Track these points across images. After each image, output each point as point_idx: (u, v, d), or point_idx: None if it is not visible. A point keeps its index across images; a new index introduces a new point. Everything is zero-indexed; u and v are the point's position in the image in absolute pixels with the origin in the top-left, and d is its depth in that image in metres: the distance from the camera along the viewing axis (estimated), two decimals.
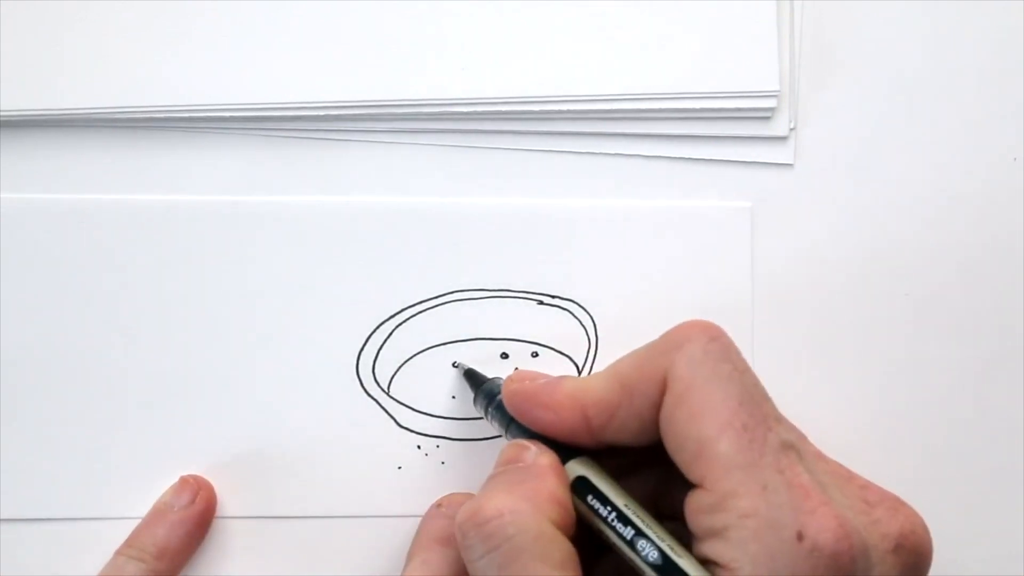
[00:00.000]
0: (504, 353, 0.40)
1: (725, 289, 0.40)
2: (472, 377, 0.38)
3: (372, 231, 0.40)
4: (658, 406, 0.31)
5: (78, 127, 0.40)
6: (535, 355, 0.40)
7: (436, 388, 0.40)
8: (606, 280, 0.40)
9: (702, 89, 0.40)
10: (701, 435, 0.29)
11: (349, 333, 0.40)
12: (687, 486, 0.30)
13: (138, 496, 0.39)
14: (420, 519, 0.39)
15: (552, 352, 0.40)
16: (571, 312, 0.40)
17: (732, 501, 0.29)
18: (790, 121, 0.41)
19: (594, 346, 0.40)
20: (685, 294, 0.40)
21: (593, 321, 0.40)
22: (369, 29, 0.40)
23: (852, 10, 0.42)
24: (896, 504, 0.30)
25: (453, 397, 0.40)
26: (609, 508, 0.31)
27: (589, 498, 0.32)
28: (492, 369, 0.39)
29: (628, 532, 0.30)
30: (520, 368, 0.40)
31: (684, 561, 0.29)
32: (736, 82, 0.40)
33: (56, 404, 0.39)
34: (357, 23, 0.40)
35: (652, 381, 0.31)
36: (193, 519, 0.38)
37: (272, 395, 0.39)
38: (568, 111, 0.40)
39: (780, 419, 0.30)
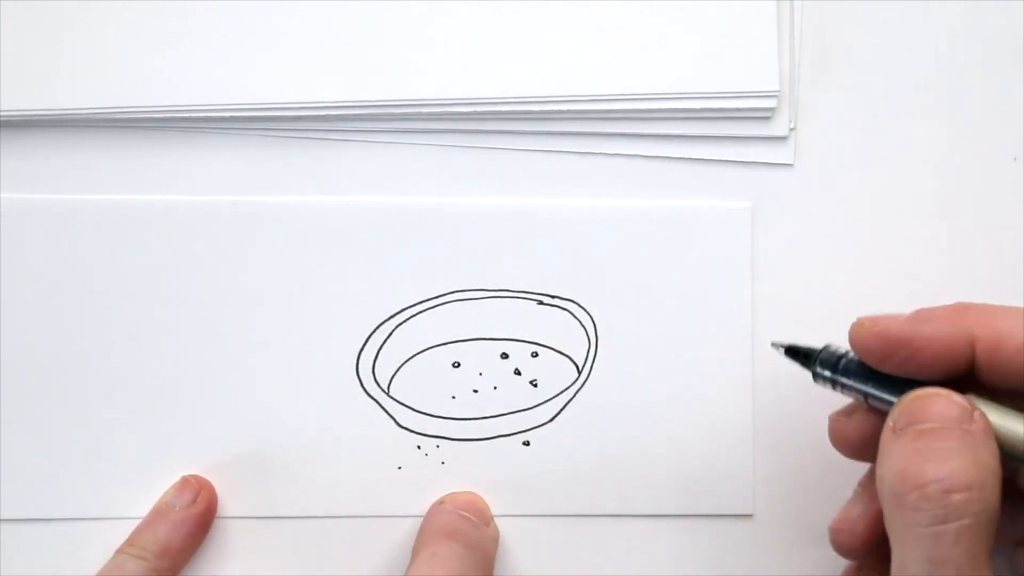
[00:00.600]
0: (504, 353, 0.40)
1: (725, 289, 0.40)
2: (795, 352, 0.36)
3: (372, 231, 0.40)
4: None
5: (78, 127, 0.40)
6: (535, 355, 0.40)
7: (436, 388, 0.40)
8: (606, 280, 0.40)
9: (702, 89, 0.40)
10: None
11: (349, 333, 0.40)
12: None
13: (138, 496, 0.39)
14: (421, 518, 0.39)
15: (552, 352, 0.40)
16: (571, 312, 0.40)
17: None
18: (790, 121, 0.41)
19: (594, 346, 0.40)
20: (685, 294, 0.40)
21: (593, 321, 0.40)
22: (369, 29, 0.40)
23: (852, 10, 0.42)
24: None
25: (453, 397, 0.40)
26: None
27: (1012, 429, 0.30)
28: (492, 369, 0.39)
29: None
30: (519, 367, 0.40)
31: None
32: (736, 82, 0.40)
33: (56, 404, 0.39)
34: (357, 23, 0.40)
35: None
36: (194, 519, 0.38)
37: (272, 395, 0.39)
38: (568, 111, 0.40)
39: None
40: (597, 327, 0.40)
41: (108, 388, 0.39)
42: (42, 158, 0.40)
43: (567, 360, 0.40)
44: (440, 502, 0.39)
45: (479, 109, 0.40)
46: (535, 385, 0.40)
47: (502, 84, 0.40)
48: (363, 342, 0.40)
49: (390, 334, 0.40)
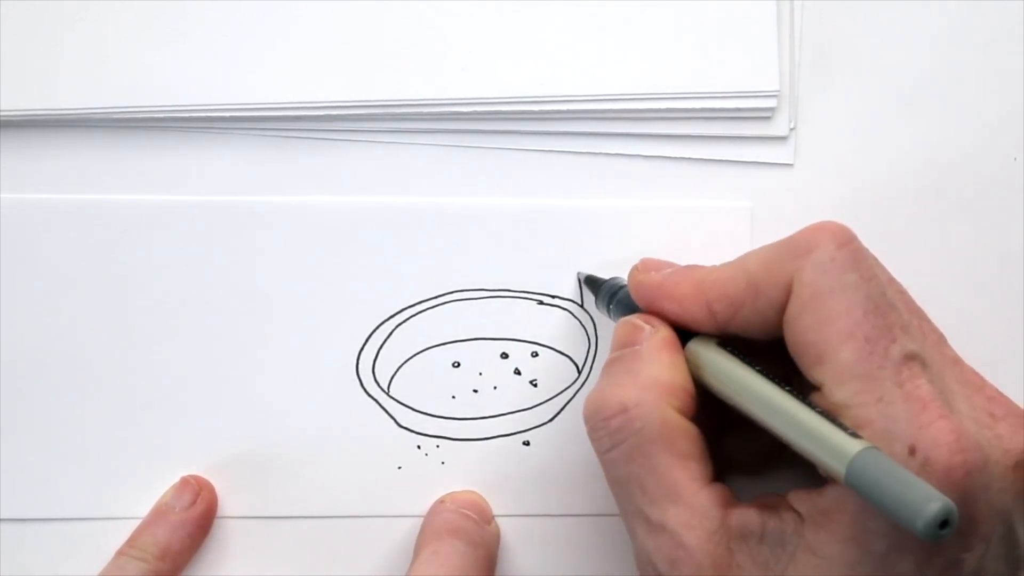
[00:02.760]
0: (504, 353, 0.40)
1: None
2: (592, 281, 0.39)
3: (372, 231, 0.40)
4: (782, 309, 0.31)
5: (78, 127, 0.40)
6: (535, 355, 0.40)
7: (436, 388, 0.40)
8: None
9: (702, 89, 0.40)
10: (822, 344, 0.29)
11: (349, 333, 0.40)
12: (809, 390, 0.30)
13: (138, 496, 0.39)
14: (421, 518, 0.39)
15: (552, 352, 0.40)
16: (571, 312, 0.40)
17: (846, 411, 0.28)
18: (790, 121, 0.41)
19: (594, 346, 0.40)
20: None
21: (593, 321, 0.40)
22: (369, 29, 0.40)
23: (852, 10, 0.42)
24: (1023, 419, 0.30)
25: (453, 397, 0.40)
26: (742, 374, 0.31)
27: (717, 365, 0.32)
28: (492, 368, 0.39)
29: (770, 393, 0.30)
30: (519, 367, 0.40)
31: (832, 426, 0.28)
32: (736, 82, 0.40)
33: (56, 404, 0.39)
34: (357, 23, 0.40)
35: (778, 284, 0.31)
36: (195, 520, 0.38)
37: (272, 395, 0.39)
38: (568, 111, 0.40)
39: (907, 327, 0.30)
40: (597, 327, 0.40)
41: (108, 388, 0.39)
42: (42, 158, 0.40)
43: (567, 360, 0.40)
44: (441, 501, 0.39)
45: (479, 109, 0.40)
46: (535, 385, 0.40)
47: (502, 84, 0.40)
48: (363, 342, 0.40)
49: (390, 334, 0.40)
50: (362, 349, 0.40)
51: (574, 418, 0.40)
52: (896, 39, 0.42)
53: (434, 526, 0.37)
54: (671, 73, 0.40)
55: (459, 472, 0.40)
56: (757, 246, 0.39)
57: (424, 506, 0.39)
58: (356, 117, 0.40)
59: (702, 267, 0.34)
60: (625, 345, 0.33)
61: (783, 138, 0.41)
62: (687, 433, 0.31)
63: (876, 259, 0.32)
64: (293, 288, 0.40)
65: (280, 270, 0.40)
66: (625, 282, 0.36)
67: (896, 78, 0.41)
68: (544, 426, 0.40)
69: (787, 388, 0.30)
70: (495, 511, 0.39)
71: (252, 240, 0.40)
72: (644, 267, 0.35)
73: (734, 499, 0.31)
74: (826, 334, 0.29)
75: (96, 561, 0.37)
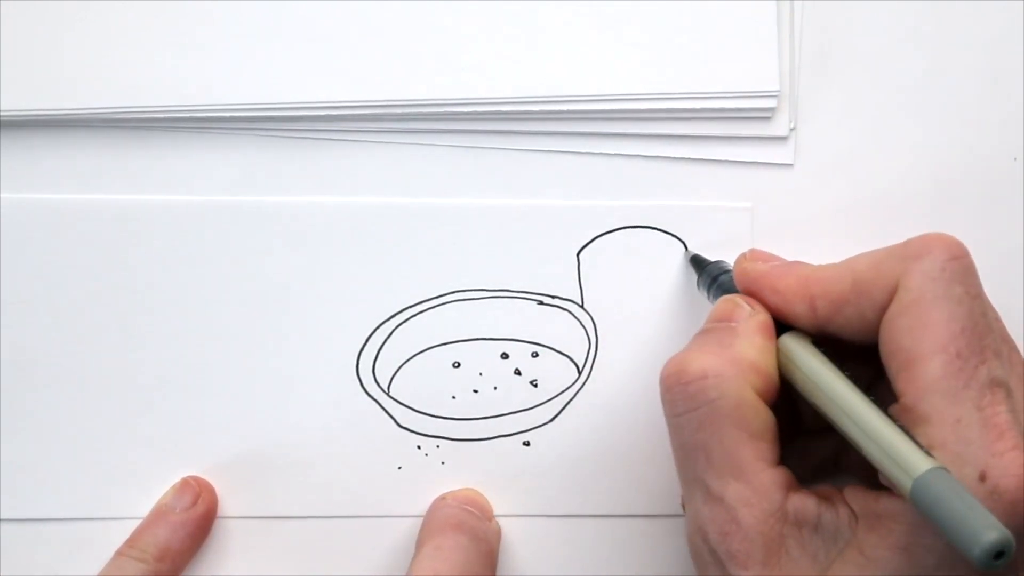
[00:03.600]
0: (504, 353, 0.40)
1: None
2: (697, 261, 0.39)
3: (372, 231, 0.40)
4: (884, 310, 0.31)
5: (78, 127, 0.40)
6: (535, 355, 0.40)
7: (436, 388, 0.40)
8: (606, 280, 0.40)
9: (702, 89, 0.40)
10: (914, 350, 0.29)
11: (349, 333, 0.40)
12: (892, 398, 0.30)
13: (138, 496, 0.39)
14: (421, 518, 0.39)
15: (552, 352, 0.40)
16: (571, 312, 0.40)
17: (924, 427, 0.28)
18: (790, 121, 0.41)
19: (594, 346, 0.40)
20: (685, 294, 0.40)
21: (593, 321, 0.40)
22: (369, 29, 0.40)
23: (852, 10, 0.42)
24: None
25: (453, 397, 0.40)
26: (827, 372, 0.31)
27: (806, 360, 0.32)
28: (492, 369, 0.39)
29: (851, 396, 0.30)
30: (519, 367, 0.40)
31: (908, 443, 0.28)
32: (736, 82, 0.40)
33: (57, 404, 0.39)
34: (357, 23, 0.40)
35: (884, 286, 0.31)
36: (195, 521, 0.38)
37: (272, 395, 0.39)
38: (568, 111, 0.40)
39: (999, 352, 0.30)
40: (597, 327, 0.40)
41: (108, 388, 0.39)
42: (42, 158, 0.40)
43: (567, 360, 0.40)
44: (442, 497, 0.39)
45: (479, 109, 0.40)
46: (535, 385, 0.40)
47: (502, 84, 0.40)
48: (363, 342, 0.40)
49: (390, 334, 0.40)
50: (362, 349, 0.40)
51: (574, 418, 0.40)
52: (896, 39, 0.42)
53: (437, 521, 0.37)
54: (671, 73, 0.40)
55: (459, 472, 0.40)
56: (757, 246, 0.39)
57: (424, 506, 0.39)
58: (356, 117, 0.40)
59: (809, 264, 0.34)
60: (721, 320, 0.33)
61: (783, 138, 0.41)
62: (761, 414, 0.31)
63: (978, 277, 0.31)
64: (293, 288, 0.40)
65: (280, 270, 0.40)
66: (730, 267, 0.36)
67: (896, 78, 0.41)
68: (544, 426, 0.40)
69: (870, 396, 0.30)
70: (495, 511, 0.39)
71: (252, 240, 0.40)
72: (752, 256, 0.35)
73: (796, 484, 0.31)
74: (920, 341, 0.29)
75: (96, 561, 0.37)
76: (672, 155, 0.41)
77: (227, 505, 0.39)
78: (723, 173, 0.41)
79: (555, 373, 0.40)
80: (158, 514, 0.38)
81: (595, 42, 0.40)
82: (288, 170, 0.40)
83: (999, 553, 0.25)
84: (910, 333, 0.30)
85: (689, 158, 0.41)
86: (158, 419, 0.39)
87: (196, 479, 0.39)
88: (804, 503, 0.30)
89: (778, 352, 0.33)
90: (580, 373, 0.40)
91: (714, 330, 0.33)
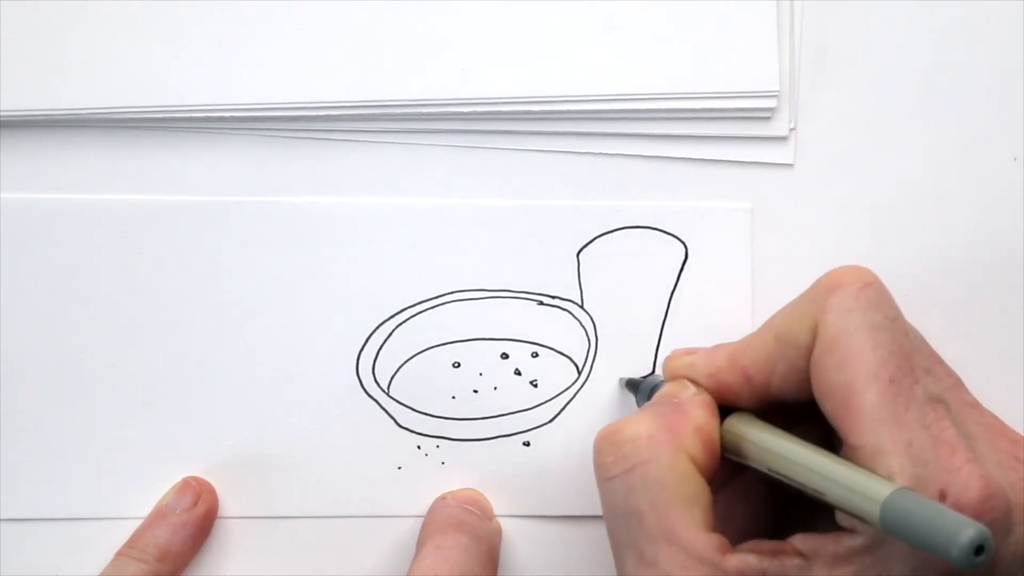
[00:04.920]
0: (504, 353, 0.40)
1: (725, 289, 0.40)
2: (632, 383, 0.39)
3: (372, 231, 0.40)
4: (811, 353, 0.31)
5: (78, 127, 0.40)
6: (535, 355, 0.40)
7: (436, 388, 0.40)
8: (606, 280, 0.40)
9: (702, 89, 0.40)
10: (847, 384, 0.29)
11: (349, 333, 0.40)
12: (840, 445, 0.30)
13: (139, 496, 0.39)
14: (421, 518, 0.39)
15: (552, 352, 0.40)
16: (571, 312, 0.40)
17: (879, 458, 0.28)
18: (790, 121, 0.41)
19: (594, 346, 0.40)
20: (685, 294, 0.40)
21: (593, 321, 0.40)
22: (369, 29, 0.40)
23: (852, 10, 0.42)
24: None
25: (453, 397, 0.40)
26: (777, 438, 0.31)
27: (754, 432, 0.32)
28: (492, 369, 0.39)
29: (804, 451, 0.30)
30: (519, 367, 0.40)
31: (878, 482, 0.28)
32: (736, 82, 0.40)
33: (56, 404, 0.39)
34: (357, 23, 0.40)
35: (804, 328, 0.31)
36: (195, 522, 0.38)
37: (272, 395, 0.39)
38: (568, 111, 0.40)
39: (929, 369, 0.30)
40: (597, 327, 0.40)
41: (108, 388, 0.39)
42: (42, 158, 0.40)
43: (567, 360, 0.40)
44: (443, 497, 0.39)
45: (479, 109, 0.40)
46: (535, 385, 0.40)
47: (502, 84, 0.40)
48: (363, 342, 0.40)
49: (390, 334, 0.40)
50: (362, 349, 0.40)
51: (574, 418, 0.40)
52: (896, 39, 0.42)
53: (437, 520, 0.37)
54: (671, 73, 0.40)
55: (459, 472, 0.40)
56: (757, 246, 0.39)
57: (424, 506, 0.39)
58: (356, 117, 0.40)
59: (732, 341, 0.34)
60: (665, 396, 0.33)
61: (783, 138, 0.41)
62: (695, 481, 0.31)
63: (893, 300, 0.31)
64: (293, 288, 0.40)
65: (280, 270, 0.40)
66: (661, 377, 0.36)
67: (896, 78, 0.41)
68: (544, 426, 0.40)
69: (822, 449, 0.30)
70: (495, 511, 0.39)
71: (253, 240, 0.40)
72: (675, 355, 0.35)
73: (730, 547, 0.30)
74: (851, 373, 0.29)
75: (96, 561, 0.37)
76: (672, 155, 0.41)
77: (228, 505, 0.39)
78: (723, 173, 0.41)
79: (555, 373, 0.40)
80: (159, 514, 0.38)
81: (595, 42, 0.40)
82: (288, 170, 0.40)
83: (979, 548, 0.25)
84: (839, 368, 0.29)
85: (689, 158, 0.41)
86: (158, 419, 0.39)
87: (197, 479, 0.39)
88: (744, 560, 0.29)
89: (724, 435, 0.32)
90: (580, 373, 0.40)
91: (656, 403, 0.33)
